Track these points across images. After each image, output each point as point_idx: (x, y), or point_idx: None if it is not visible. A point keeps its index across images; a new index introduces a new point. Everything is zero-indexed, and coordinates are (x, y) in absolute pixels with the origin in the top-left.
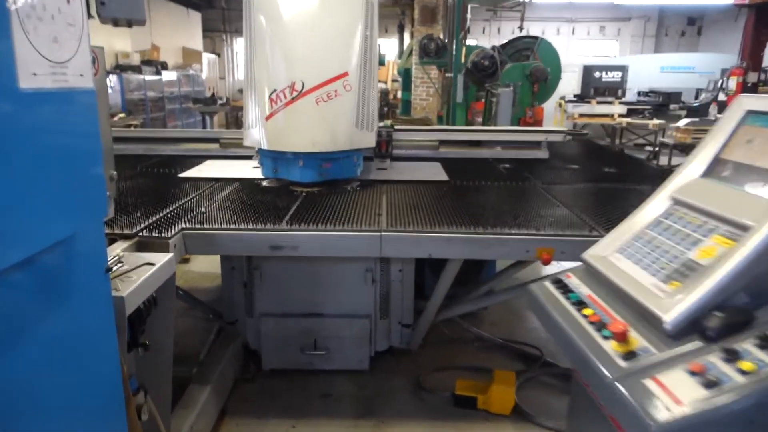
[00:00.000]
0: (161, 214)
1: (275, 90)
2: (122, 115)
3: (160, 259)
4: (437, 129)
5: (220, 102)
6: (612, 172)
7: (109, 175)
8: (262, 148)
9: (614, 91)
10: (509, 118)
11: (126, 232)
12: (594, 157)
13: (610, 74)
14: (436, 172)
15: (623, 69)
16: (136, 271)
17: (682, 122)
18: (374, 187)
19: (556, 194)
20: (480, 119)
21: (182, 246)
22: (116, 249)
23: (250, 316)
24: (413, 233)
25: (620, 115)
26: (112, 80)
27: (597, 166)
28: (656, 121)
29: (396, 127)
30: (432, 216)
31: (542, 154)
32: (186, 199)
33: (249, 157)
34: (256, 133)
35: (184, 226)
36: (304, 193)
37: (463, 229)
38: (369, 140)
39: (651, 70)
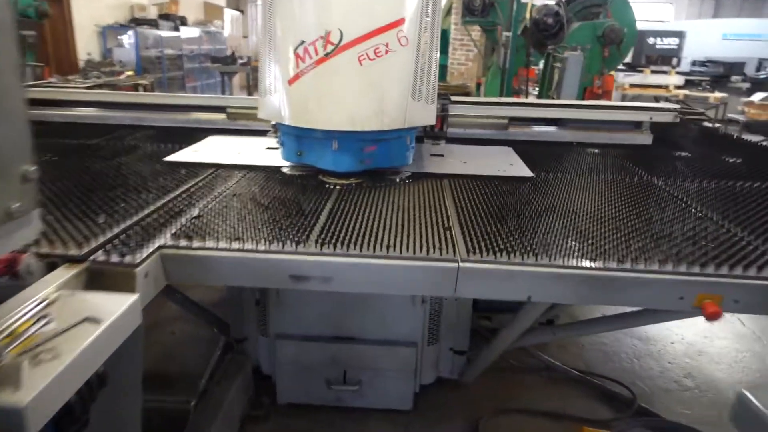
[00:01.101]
0: (132, 221)
1: (302, 42)
2: (130, 73)
3: (116, 306)
4: (507, 102)
5: (241, 62)
6: (738, 164)
7: (21, 174)
8: (283, 123)
9: (668, 59)
10: (576, 89)
11: (72, 253)
12: (702, 142)
13: (666, 41)
14: (512, 162)
15: (680, 35)
16: (69, 334)
17: (757, 96)
18: (431, 181)
19: (687, 197)
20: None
21: (160, 273)
22: (47, 286)
23: (264, 335)
24: (507, 265)
25: (676, 87)
26: (129, 35)
27: (712, 153)
28: (718, 95)
29: (452, 98)
30: (526, 233)
31: (644, 138)
32: (172, 196)
33: (264, 133)
34: (274, 102)
35: (163, 242)
36: (337, 187)
37: (577, 259)
38: (428, 116)
39: (711, 36)
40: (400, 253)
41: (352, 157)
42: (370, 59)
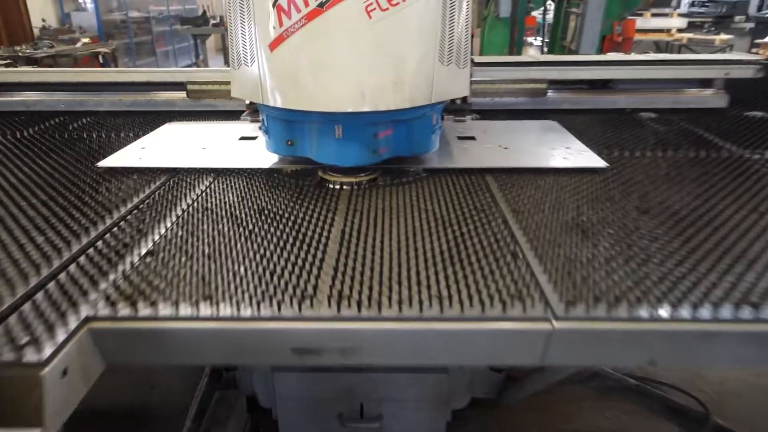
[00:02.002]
0: (43, 277)
1: None
2: (86, 40)
3: None
4: (546, 62)
5: (213, 22)
6: None
7: None
8: (265, 103)
9: (666, 0)
10: (598, 37)
11: None
12: None
13: None
14: (568, 145)
15: None
16: None
17: None
18: (468, 178)
19: None
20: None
21: (92, 358)
22: None
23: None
24: (628, 323)
25: (679, 30)
26: None
27: None
28: (724, 37)
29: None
30: (635, 261)
31: (717, 99)
32: (109, 224)
33: (238, 115)
34: (251, 75)
35: (93, 312)
36: (344, 187)
37: (744, 306)
38: (461, 85)
39: None
40: (459, 308)
41: (361, 147)
42: (382, 9)
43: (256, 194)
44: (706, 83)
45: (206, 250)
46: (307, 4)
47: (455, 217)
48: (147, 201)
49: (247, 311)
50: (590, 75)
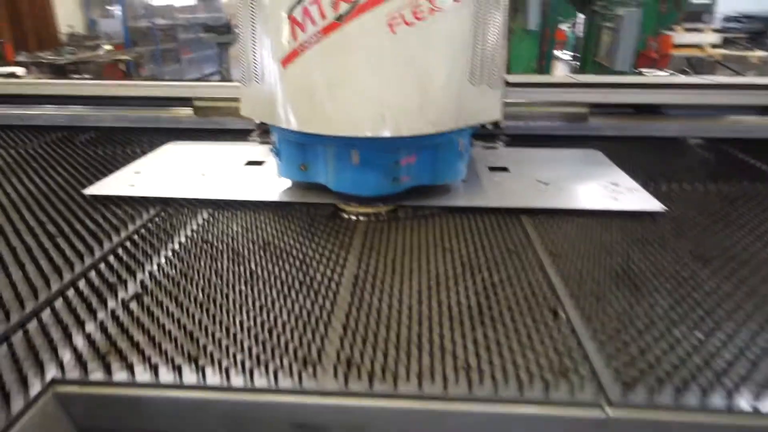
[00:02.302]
0: (10, 326)
1: (301, 1)
2: (109, 47)
3: None
4: (585, 83)
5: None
6: None
7: None
8: (276, 125)
9: (698, 15)
10: (633, 52)
11: None
12: None
13: None
14: (616, 181)
15: None
16: None
17: None
18: (500, 218)
19: None
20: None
21: (58, 425)
22: None
23: None
24: (701, 415)
25: (712, 46)
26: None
27: None
28: (760, 53)
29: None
30: (702, 329)
31: None
32: (84, 267)
33: (247, 133)
34: (262, 93)
35: (58, 375)
36: (360, 219)
37: None
38: (492, 108)
39: None
40: (491, 385)
41: (380, 174)
42: (407, 23)
43: (262, 225)
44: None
45: (199, 296)
46: (324, 17)
47: (485, 262)
48: (134, 237)
49: (238, 379)
50: (638, 99)
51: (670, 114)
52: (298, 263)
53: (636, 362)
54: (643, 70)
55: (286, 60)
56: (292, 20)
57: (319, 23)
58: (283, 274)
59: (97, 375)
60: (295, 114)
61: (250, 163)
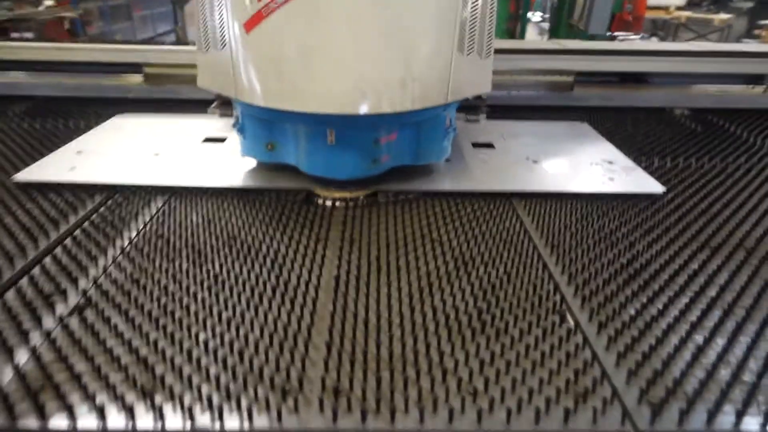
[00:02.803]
0: None
1: None
2: (50, 2)
3: None
4: (575, 50)
5: None
6: None
7: None
8: (239, 99)
9: None
10: (609, 15)
11: None
12: None
13: None
14: (610, 158)
15: None
16: None
17: None
18: (488, 201)
19: None
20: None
21: None
22: None
23: None
24: None
25: (677, 8)
26: None
27: None
28: (723, 16)
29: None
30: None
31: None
32: (14, 272)
33: (207, 105)
34: (222, 61)
35: None
36: (336, 204)
37: None
38: (482, 80)
39: None
40: (504, 415)
41: (359, 155)
42: None
43: (226, 215)
44: (756, 79)
45: (153, 308)
46: None
47: (478, 254)
48: (75, 233)
49: (204, 419)
50: (627, 66)
51: (656, 83)
52: (269, 262)
53: (661, 379)
54: (618, 33)
55: (250, 23)
56: None
57: None
58: (253, 277)
59: (27, 421)
60: (261, 87)
61: (208, 140)
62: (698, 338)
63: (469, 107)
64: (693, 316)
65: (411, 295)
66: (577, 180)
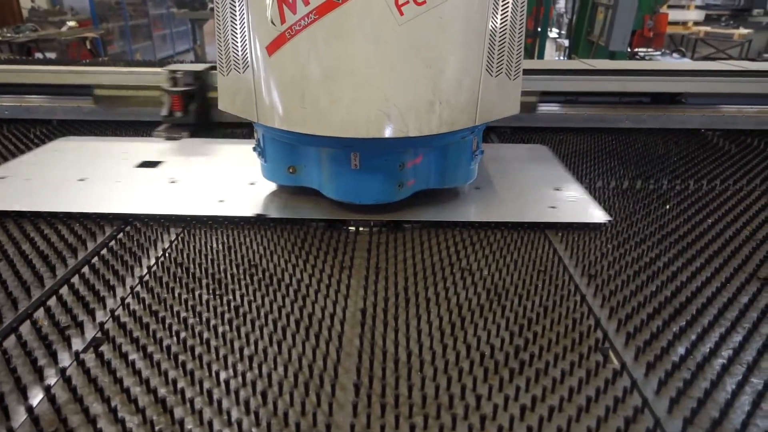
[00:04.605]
0: None
1: None
2: (73, 23)
3: None
4: (604, 70)
5: (211, 6)
6: None
7: None
8: (261, 122)
9: None
10: (629, 32)
11: None
12: None
13: None
14: (558, 185)
15: None
16: None
17: None
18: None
19: None
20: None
21: None
22: None
23: None
24: None
25: (695, 23)
26: None
27: None
28: (743, 31)
29: None
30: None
31: None
32: None
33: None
34: (242, 86)
35: None
36: (360, 230)
37: None
38: (511, 101)
39: None
40: None
41: (384, 179)
42: (416, 2)
43: (247, 242)
44: None
45: (171, 343)
46: None
47: (511, 285)
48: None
49: None
50: (661, 87)
51: (690, 103)
52: (292, 293)
53: (720, 429)
54: (639, 50)
55: (273, 46)
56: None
57: (312, 2)
58: (275, 309)
59: None
60: (283, 110)
61: (144, 164)
62: (756, 382)
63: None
64: (748, 355)
65: (442, 330)
66: (526, 209)
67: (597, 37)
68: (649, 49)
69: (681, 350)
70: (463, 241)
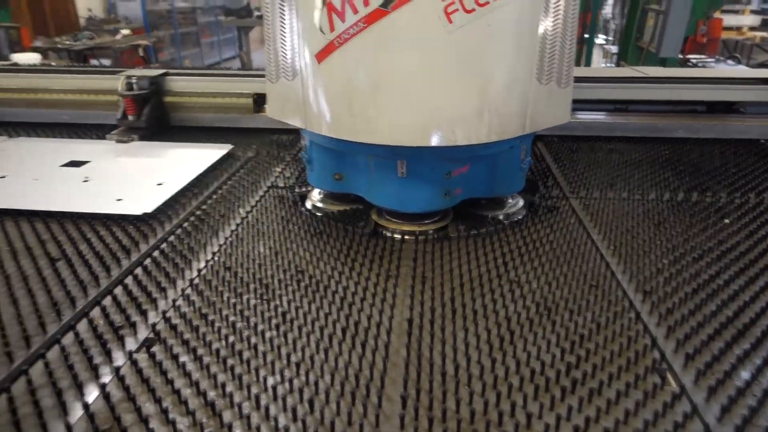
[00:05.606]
0: None
1: None
2: (127, 32)
3: None
4: (655, 77)
5: (257, 14)
6: None
7: None
8: (309, 129)
9: None
10: (682, 38)
11: None
12: None
13: None
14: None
15: None
16: None
17: None
18: (566, 226)
19: None
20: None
21: None
22: None
23: None
24: None
25: (751, 29)
26: None
27: None
28: None
29: None
30: None
31: None
32: None
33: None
34: (291, 93)
35: None
36: (405, 239)
37: None
38: (561, 109)
39: None
40: None
41: (431, 187)
42: (466, 11)
43: (294, 247)
44: None
45: (221, 347)
46: (367, 3)
47: (561, 299)
48: None
49: None
50: (716, 96)
51: (749, 112)
52: (338, 300)
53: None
54: (692, 56)
55: (322, 54)
56: (330, 7)
57: (361, 11)
58: (322, 316)
59: None
60: (331, 117)
61: (68, 164)
62: None
63: None
64: None
65: (490, 344)
66: None
67: (647, 44)
68: (702, 56)
69: (745, 375)
70: (511, 252)
